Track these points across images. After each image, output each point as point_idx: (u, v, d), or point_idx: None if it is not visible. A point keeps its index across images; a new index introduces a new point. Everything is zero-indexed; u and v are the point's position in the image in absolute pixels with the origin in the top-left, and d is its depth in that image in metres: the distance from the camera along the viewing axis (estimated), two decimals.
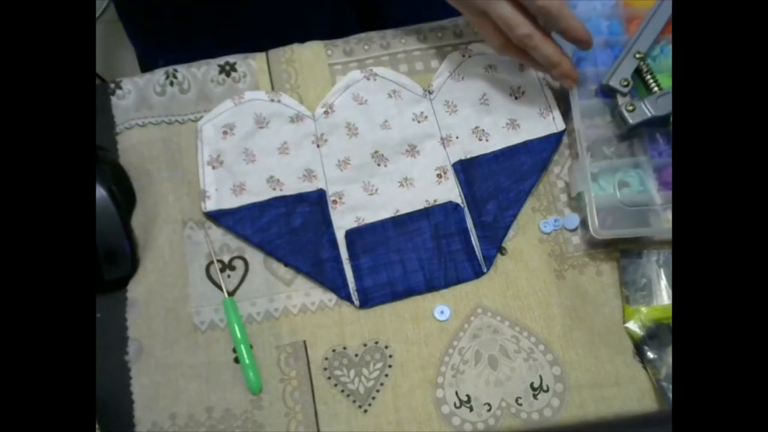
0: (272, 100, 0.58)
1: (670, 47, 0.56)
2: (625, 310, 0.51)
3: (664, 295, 0.51)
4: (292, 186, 0.55)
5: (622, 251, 0.53)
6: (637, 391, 0.49)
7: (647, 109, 0.52)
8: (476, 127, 0.57)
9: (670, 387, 0.48)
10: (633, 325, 0.50)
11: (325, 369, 0.50)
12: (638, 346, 0.50)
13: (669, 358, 0.49)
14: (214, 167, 0.55)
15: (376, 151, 0.56)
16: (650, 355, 0.49)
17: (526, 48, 0.52)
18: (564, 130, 0.57)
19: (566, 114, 0.57)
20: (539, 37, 0.52)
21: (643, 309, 0.51)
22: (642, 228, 0.51)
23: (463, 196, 0.55)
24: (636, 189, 0.52)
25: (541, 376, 0.50)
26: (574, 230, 0.54)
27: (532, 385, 0.49)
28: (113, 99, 0.58)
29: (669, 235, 0.52)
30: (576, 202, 0.55)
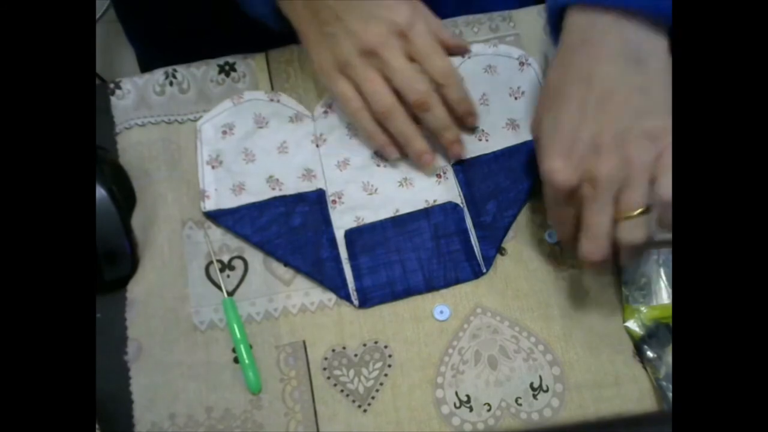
0: (271, 100, 0.58)
1: None
2: (625, 309, 0.51)
3: (663, 294, 0.51)
4: (292, 186, 0.55)
5: None
6: (637, 391, 0.49)
7: None
8: (476, 127, 0.57)
9: (670, 386, 0.48)
10: (632, 325, 0.50)
11: (325, 369, 0.50)
12: (638, 346, 0.50)
13: (668, 358, 0.49)
14: (213, 167, 0.55)
15: (375, 151, 0.56)
16: (650, 354, 0.49)
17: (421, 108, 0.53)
18: None
19: None
20: (401, 111, 0.53)
21: (643, 309, 0.51)
22: None
23: (462, 196, 0.55)
24: None
25: (540, 376, 0.50)
26: (555, 243, 0.54)
27: (531, 385, 0.49)
28: (113, 99, 0.58)
29: (669, 236, 0.51)
30: None
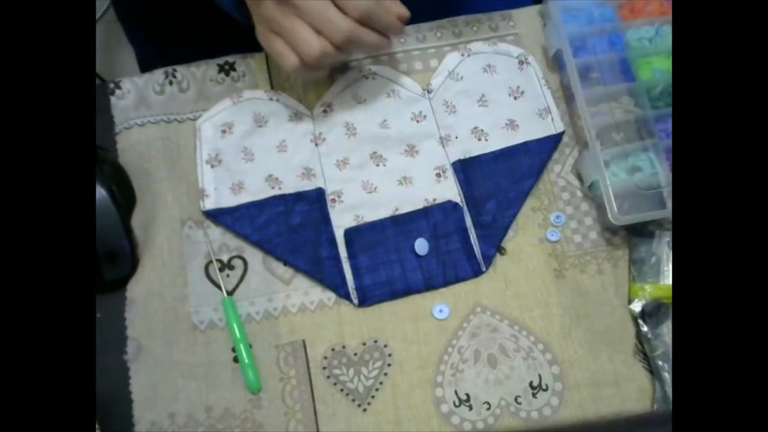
0: (271, 99, 0.58)
1: (664, 28, 0.56)
2: (631, 288, 0.51)
3: (670, 276, 0.51)
4: (291, 185, 0.55)
5: (635, 230, 0.53)
6: (636, 390, 0.49)
7: None
8: (475, 128, 0.57)
9: (665, 366, 0.49)
10: (636, 304, 0.51)
11: (325, 368, 0.50)
12: (637, 322, 0.50)
13: (666, 337, 0.49)
14: (212, 166, 0.55)
15: (374, 152, 0.56)
16: (648, 331, 0.50)
17: (351, 44, 0.50)
18: (563, 132, 0.57)
19: (570, 104, 0.58)
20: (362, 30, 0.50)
21: (648, 287, 0.51)
22: (659, 210, 0.51)
23: (462, 196, 0.55)
24: (648, 172, 0.52)
25: (540, 375, 0.50)
26: (557, 241, 0.54)
27: (531, 384, 0.50)
28: (112, 99, 0.58)
29: None
30: (591, 192, 0.55)
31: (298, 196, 0.54)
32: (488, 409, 0.49)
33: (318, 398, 0.49)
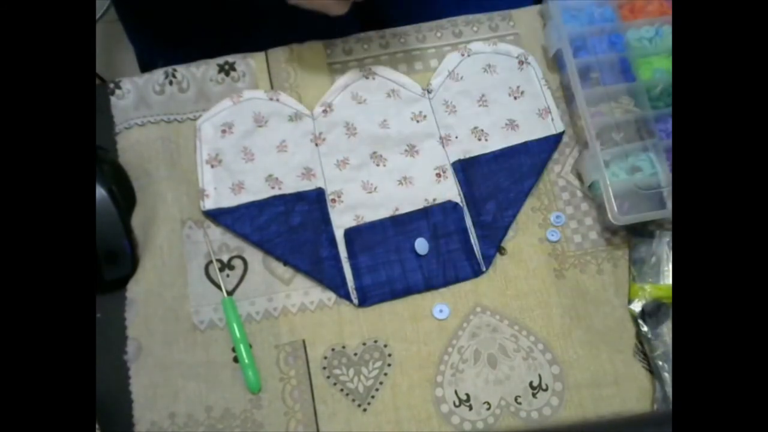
0: (271, 99, 0.58)
1: (664, 28, 0.56)
2: (631, 288, 0.51)
3: (670, 276, 0.51)
4: (291, 184, 0.55)
5: (635, 230, 0.53)
6: (636, 390, 0.49)
7: None
8: (475, 127, 0.57)
9: (665, 366, 0.49)
10: (636, 304, 0.51)
11: (325, 368, 0.50)
12: (637, 322, 0.50)
13: (666, 337, 0.49)
14: (212, 166, 0.55)
15: (374, 152, 0.56)
16: (648, 331, 0.50)
17: None
18: (563, 132, 0.57)
19: (570, 104, 0.58)
20: None
21: (648, 287, 0.51)
22: (659, 210, 0.51)
23: (462, 195, 0.55)
24: (648, 172, 0.52)
25: (540, 375, 0.50)
26: (557, 241, 0.54)
27: (531, 384, 0.50)
28: (113, 99, 0.58)
29: None
30: (591, 192, 0.55)
31: (298, 196, 0.54)
32: (488, 409, 0.49)
33: (318, 398, 0.49)
